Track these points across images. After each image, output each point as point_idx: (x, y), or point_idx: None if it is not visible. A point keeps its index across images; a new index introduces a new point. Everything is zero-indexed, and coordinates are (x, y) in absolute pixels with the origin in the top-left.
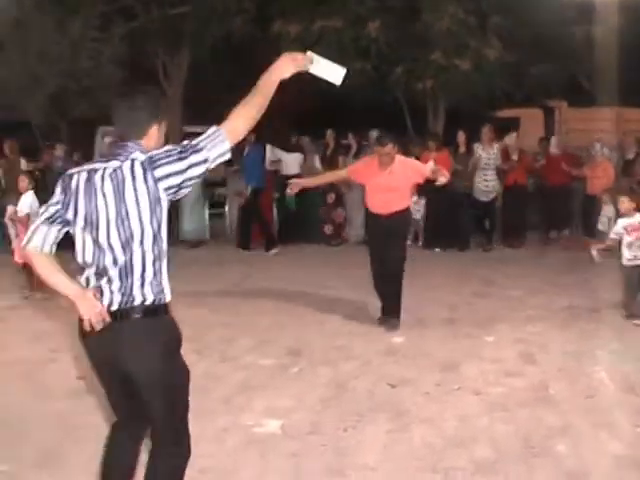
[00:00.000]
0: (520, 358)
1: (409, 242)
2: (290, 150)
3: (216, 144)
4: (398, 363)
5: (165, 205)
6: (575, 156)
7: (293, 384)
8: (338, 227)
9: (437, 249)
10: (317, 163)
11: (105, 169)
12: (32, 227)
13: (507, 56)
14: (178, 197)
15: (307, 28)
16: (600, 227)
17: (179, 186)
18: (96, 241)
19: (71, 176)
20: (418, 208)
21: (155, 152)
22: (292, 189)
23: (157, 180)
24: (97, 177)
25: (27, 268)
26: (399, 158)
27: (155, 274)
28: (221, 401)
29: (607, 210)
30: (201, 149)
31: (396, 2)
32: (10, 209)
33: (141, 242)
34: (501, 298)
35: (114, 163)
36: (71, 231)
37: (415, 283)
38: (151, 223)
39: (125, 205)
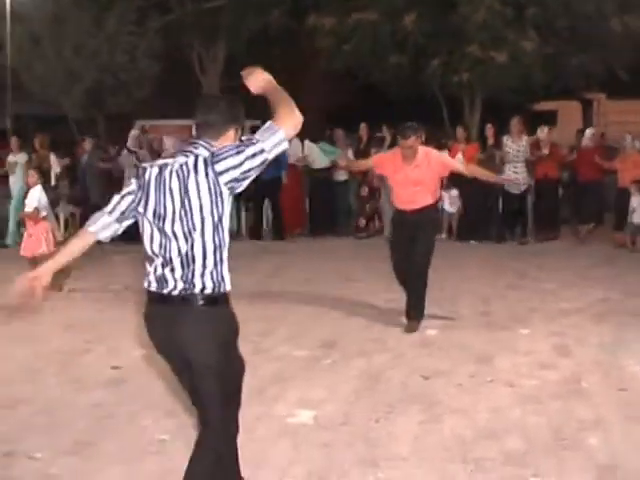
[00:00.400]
0: (554, 351)
1: (443, 236)
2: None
3: (270, 135)
4: (432, 355)
5: (227, 198)
6: (608, 149)
7: (326, 375)
8: (370, 220)
9: (472, 241)
10: (350, 156)
11: (174, 164)
12: (100, 213)
13: (544, 48)
14: (240, 189)
15: (342, 21)
16: (635, 220)
17: (239, 179)
18: (163, 232)
19: (145, 170)
20: (452, 201)
21: (217, 149)
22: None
23: (218, 174)
24: (167, 172)
25: (33, 262)
26: (423, 150)
27: (216, 263)
28: (255, 391)
29: (634, 201)
30: (257, 141)
31: None
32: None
33: (202, 233)
34: (535, 291)
35: (181, 159)
36: (140, 223)
37: (449, 276)
38: (212, 215)
39: (188, 198)
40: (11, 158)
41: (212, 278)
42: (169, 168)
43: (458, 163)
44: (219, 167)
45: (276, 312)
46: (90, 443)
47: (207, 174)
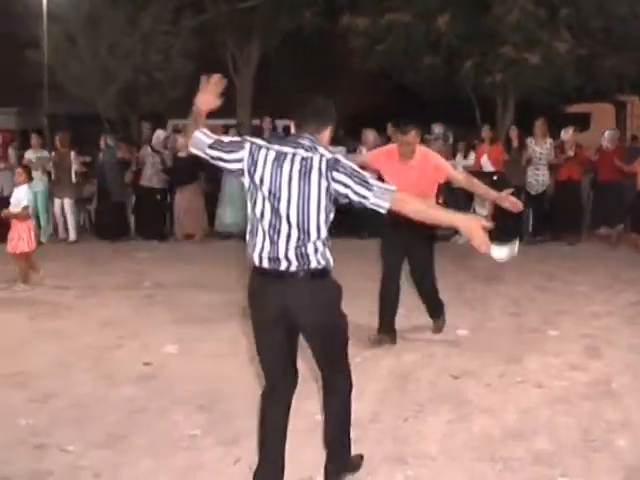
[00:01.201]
0: (584, 352)
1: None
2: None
3: (382, 197)
4: (462, 355)
5: (332, 199)
6: (629, 151)
7: (356, 373)
8: None
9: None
10: (365, 156)
11: (295, 155)
12: (203, 138)
13: (577, 49)
14: (337, 201)
15: (375, 22)
16: None
17: (341, 196)
18: (277, 212)
19: (260, 148)
20: (483, 203)
21: (343, 159)
22: None
23: (332, 179)
24: (287, 160)
25: (19, 260)
26: (420, 150)
27: (323, 245)
28: None
29: None
30: (370, 189)
31: None
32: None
33: (316, 218)
34: (565, 293)
35: (302, 152)
36: (251, 197)
37: (478, 277)
38: (325, 207)
39: (308, 188)
40: (30, 155)
41: (322, 257)
42: (289, 157)
43: (453, 169)
44: (336, 175)
45: None
46: (121, 437)
47: (327, 175)
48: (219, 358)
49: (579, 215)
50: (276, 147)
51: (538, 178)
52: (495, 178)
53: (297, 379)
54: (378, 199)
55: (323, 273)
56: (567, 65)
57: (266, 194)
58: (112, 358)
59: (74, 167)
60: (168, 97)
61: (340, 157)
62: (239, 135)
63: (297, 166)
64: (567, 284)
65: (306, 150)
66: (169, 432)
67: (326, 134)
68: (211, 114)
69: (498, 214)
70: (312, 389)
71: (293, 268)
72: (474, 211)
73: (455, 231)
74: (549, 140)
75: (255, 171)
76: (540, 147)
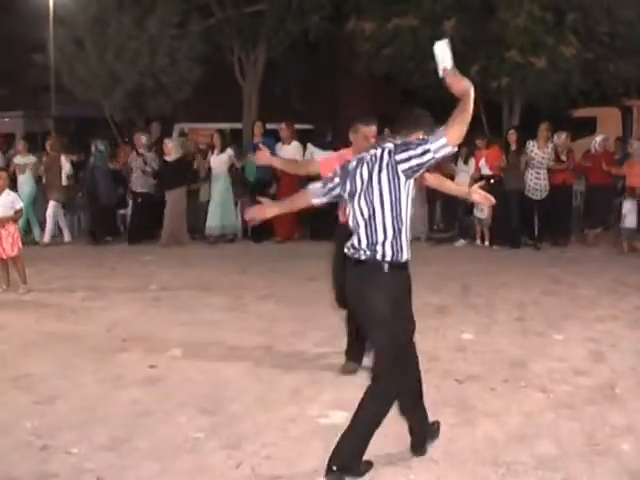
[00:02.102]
0: (588, 357)
1: (478, 242)
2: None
3: (436, 138)
4: (466, 359)
5: (403, 183)
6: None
7: (360, 377)
8: None
9: (495, 247)
10: None
11: (366, 156)
12: (317, 184)
13: (584, 53)
14: (416, 175)
15: (382, 26)
16: (628, 225)
17: (413, 169)
18: (354, 209)
19: (348, 162)
20: (482, 207)
21: (405, 141)
22: (259, 157)
23: (397, 162)
24: (361, 163)
25: (4, 264)
26: None
27: (394, 235)
28: (289, 392)
29: (625, 206)
30: (426, 142)
31: (472, 0)
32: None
33: (382, 210)
34: (570, 297)
35: (372, 151)
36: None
37: (483, 282)
38: (390, 195)
39: (371, 181)
40: (19, 160)
41: (392, 247)
42: (364, 160)
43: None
44: (399, 157)
45: (311, 313)
46: (125, 439)
47: (388, 163)
48: (223, 362)
49: (569, 218)
50: (359, 156)
51: (539, 182)
52: (492, 182)
53: None
54: (436, 143)
55: (391, 265)
56: (573, 69)
57: (347, 196)
58: (117, 361)
59: (64, 171)
60: (175, 100)
61: (399, 140)
62: (223, 139)
63: (365, 166)
64: (572, 288)
65: (375, 149)
66: (173, 435)
67: (415, 138)
68: (218, 118)
69: (498, 217)
70: (313, 393)
71: (363, 257)
72: (473, 215)
73: (458, 234)
74: (551, 145)
75: (345, 181)
76: (542, 152)
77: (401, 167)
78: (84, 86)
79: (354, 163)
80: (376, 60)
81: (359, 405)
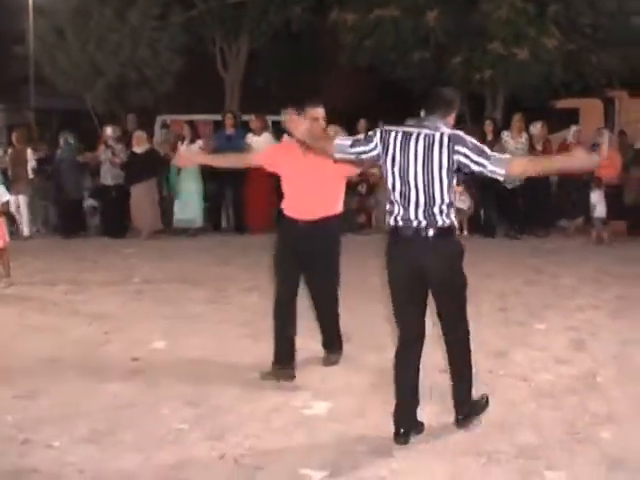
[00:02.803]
0: (570, 346)
1: (465, 233)
2: None
3: (499, 164)
4: None
5: (453, 168)
6: (626, 147)
7: (343, 368)
8: (370, 217)
9: (472, 236)
10: None
11: (419, 134)
12: (343, 143)
13: (566, 45)
14: (459, 171)
15: (364, 17)
16: (597, 215)
17: (461, 166)
18: (407, 182)
19: (389, 132)
20: (463, 198)
21: (462, 134)
22: (178, 161)
23: (454, 151)
24: (412, 138)
25: None
26: None
27: (447, 207)
28: (272, 384)
29: (593, 197)
30: (488, 158)
31: None
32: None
33: (439, 184)
34: (552, 287)
35: (426, 131)
36: (385, 175)
37: (465, 272)
38: (446, 175)
39: (432, 159)
40: None
41: (446, 217)
42: (414, 136)
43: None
44: (457, 147)
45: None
46: (107, 432)
47: (448, 147)
48: (207, 354)
49: (548, 209)
50: (403, 129)
51: None
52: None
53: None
54: (495, 167)
55: (448, 231)
56: (555, 61)
57: (397, 168)
58: (100, 354)
59: (30, 164)
60: (157, 92)
61: (461, 133)
62: (193, 130)
63: (422, 142)
64: (553, 278)
65: (429, 129)
66: (156, 427)
67: (450, 119)
68: (200, 110)
69: (480, 205)
70: (296, 385)
71: (422, 225)
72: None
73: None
74: (525, 135)
75: (387, 151)
76: (515, 142)
77: (456, 157)
78: (65, 77)
79: (400, 135)
80: (359, 51)
81: (451, 357)
